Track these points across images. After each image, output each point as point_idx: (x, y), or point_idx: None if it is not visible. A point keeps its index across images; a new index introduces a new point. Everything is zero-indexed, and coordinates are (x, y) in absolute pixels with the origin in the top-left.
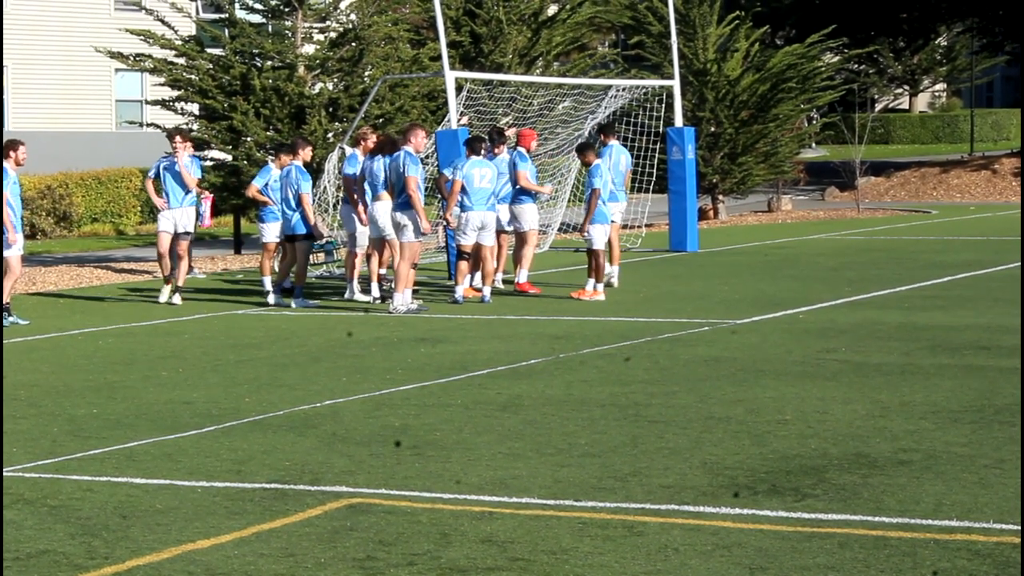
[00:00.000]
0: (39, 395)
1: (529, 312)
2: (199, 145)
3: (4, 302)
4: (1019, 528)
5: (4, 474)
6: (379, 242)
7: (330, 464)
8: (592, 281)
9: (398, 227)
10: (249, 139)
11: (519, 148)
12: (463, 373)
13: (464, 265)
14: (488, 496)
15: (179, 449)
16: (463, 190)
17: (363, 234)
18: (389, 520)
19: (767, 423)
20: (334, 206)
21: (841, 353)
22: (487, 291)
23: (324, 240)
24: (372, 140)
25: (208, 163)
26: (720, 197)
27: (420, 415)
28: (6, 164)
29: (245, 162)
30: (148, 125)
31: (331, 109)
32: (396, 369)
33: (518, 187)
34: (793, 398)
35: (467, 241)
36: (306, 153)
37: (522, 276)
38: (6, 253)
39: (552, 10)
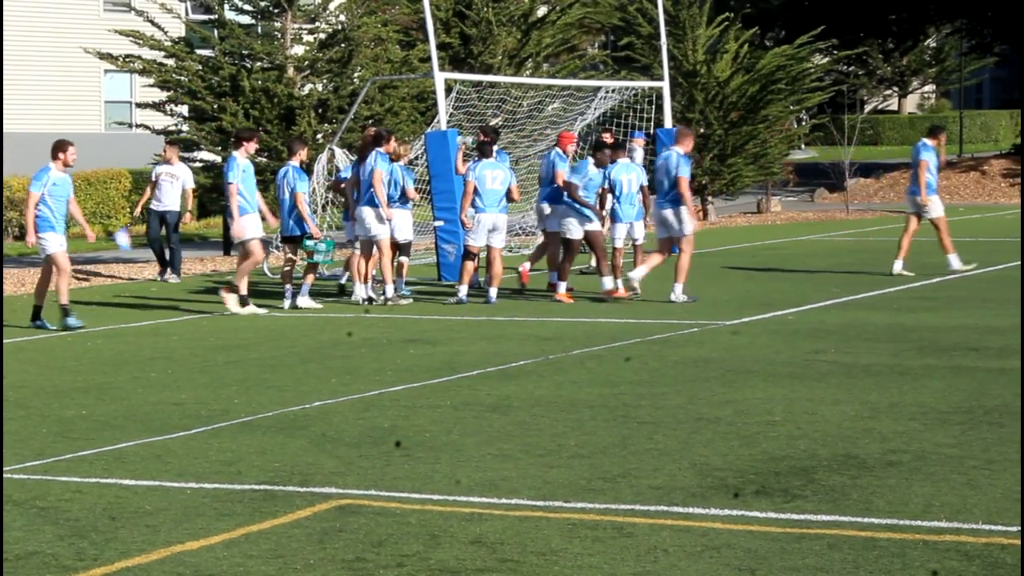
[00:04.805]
0: (28, 396)
1: (518, 313)
2: (188, 146)
3: (61, 303)
4: (1008, 529)
5: None
6: (367, 244)
7: (319, 465)
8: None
9: (663, 223)
10: None
11: (557, 149)
12: (452, 374)
13: (469, 265)
14: (477, 497)
15: (168, 450)
16: (475, 191)
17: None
18: (378, 521)
19: (756, 424)
20: (323, 207)
21: (830, 354)
22: (493, 293)
23: (316, 241)
24: (394, 143)
25: (197, 164)
26: (709, 198)
27: (410, 416)
28: (53, 165)
29: None
30: (137, 126)
31: (320, 110)
32: (386, 370)
33: (551, 188)
34: (782, 399)
35: (477, 242)
36: (303, 154)
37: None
38: (52, 251)
39: (542, 11)
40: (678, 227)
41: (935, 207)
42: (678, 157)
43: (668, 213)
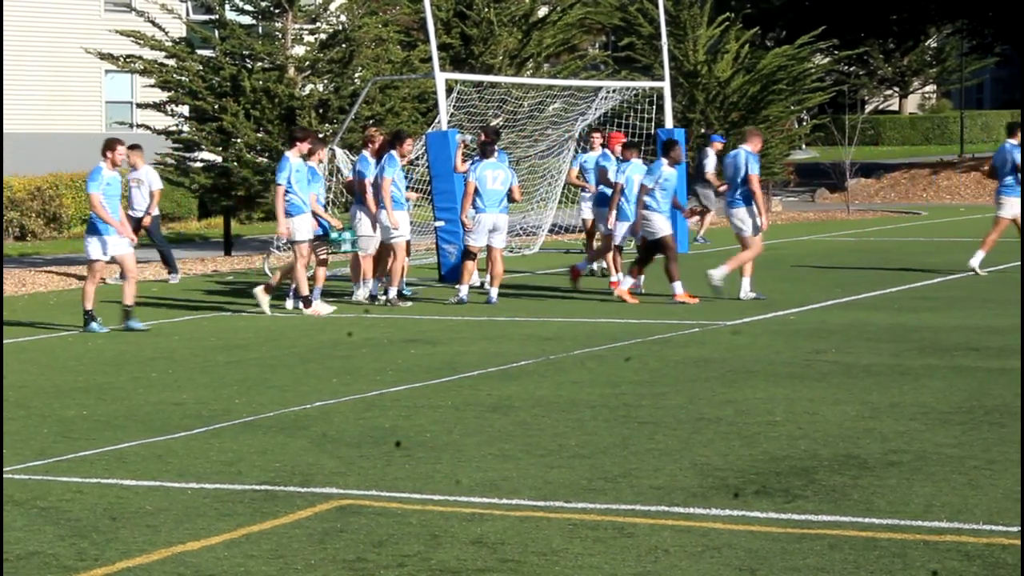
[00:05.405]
0: (29, 396)
1: (519, 313)
2: (189, 146)
3: (125, 304)
4: (1008, 529)
5: None
6: (383, 246)
7: (320, 465)
8: (621, 275)
9: (732, 220)
10: (239, 140)
11: (605, 150)
12: (453, 374)
13: (470, 265)
14: (478, 497)
15: (169, 450)
16: (476, 191)
17: (370, 238)
18: (379, 521)
19: (757, 424)
20: (325, 207)
21: (831, 354)
22: (494, 292)
23: (340, 231)
24: (408, 145)
25: (198, 164)
26: None
27: (410, 416)
28: (103, 164)
29: (235, 163)
30: (138, 126)
31: (321, 110)
32: (386, 370)
33: (600, 190)
34: (783, 399)
35: (477, 242)
36: (321, 154)
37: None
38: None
39: (543, 12)
40: (743, 227)
41: (1009, 207)
42: (747, 155)
43: (735, 211)
